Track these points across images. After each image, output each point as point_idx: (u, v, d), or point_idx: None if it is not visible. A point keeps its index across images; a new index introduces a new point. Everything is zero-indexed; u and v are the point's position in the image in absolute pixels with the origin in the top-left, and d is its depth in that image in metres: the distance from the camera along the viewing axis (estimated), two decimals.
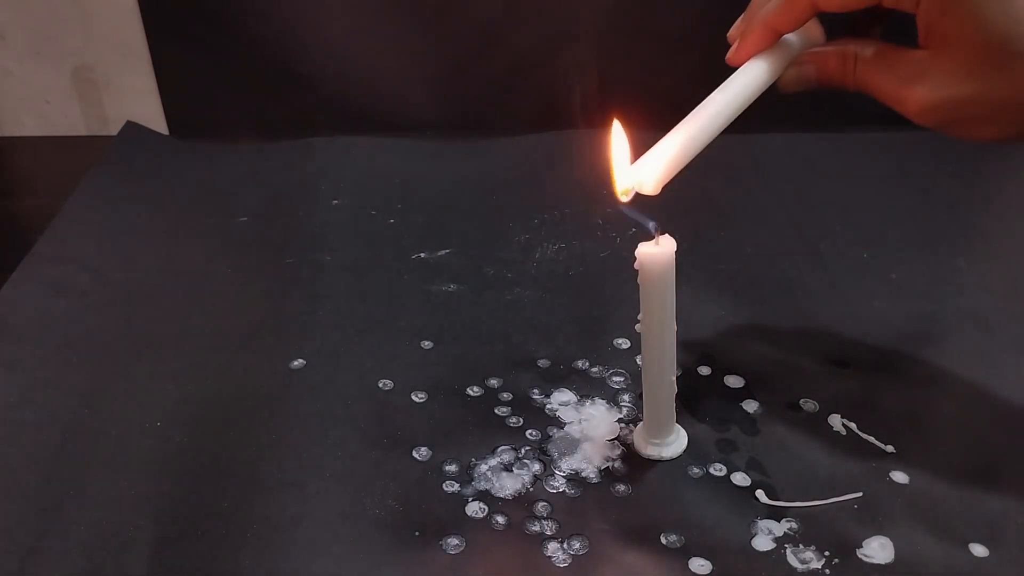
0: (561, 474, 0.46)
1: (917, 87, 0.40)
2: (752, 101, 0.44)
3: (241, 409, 0.50)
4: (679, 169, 0.42)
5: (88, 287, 0.59)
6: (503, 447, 0.47)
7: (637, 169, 0.42)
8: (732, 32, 0.45)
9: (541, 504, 0.44)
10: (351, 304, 0.57)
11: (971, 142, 0.43)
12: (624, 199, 0.42)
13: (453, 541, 0.42)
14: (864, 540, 0.41)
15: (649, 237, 0.42)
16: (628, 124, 0.43)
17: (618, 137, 0.43)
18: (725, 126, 0.43)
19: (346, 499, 0.44)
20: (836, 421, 0.48)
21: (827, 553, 0.41)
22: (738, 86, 0.44)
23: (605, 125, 0.44)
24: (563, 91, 0.78)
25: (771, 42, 0.44)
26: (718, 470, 0.45)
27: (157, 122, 0.80)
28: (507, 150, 0.74)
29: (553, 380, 0.51)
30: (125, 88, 0.80)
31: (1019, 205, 0.67)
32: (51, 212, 0.67)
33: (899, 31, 0.43)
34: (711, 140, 0.43)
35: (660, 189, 0.42)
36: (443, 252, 0.62)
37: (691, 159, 0.43)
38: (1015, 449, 0.46)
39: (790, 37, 0.45)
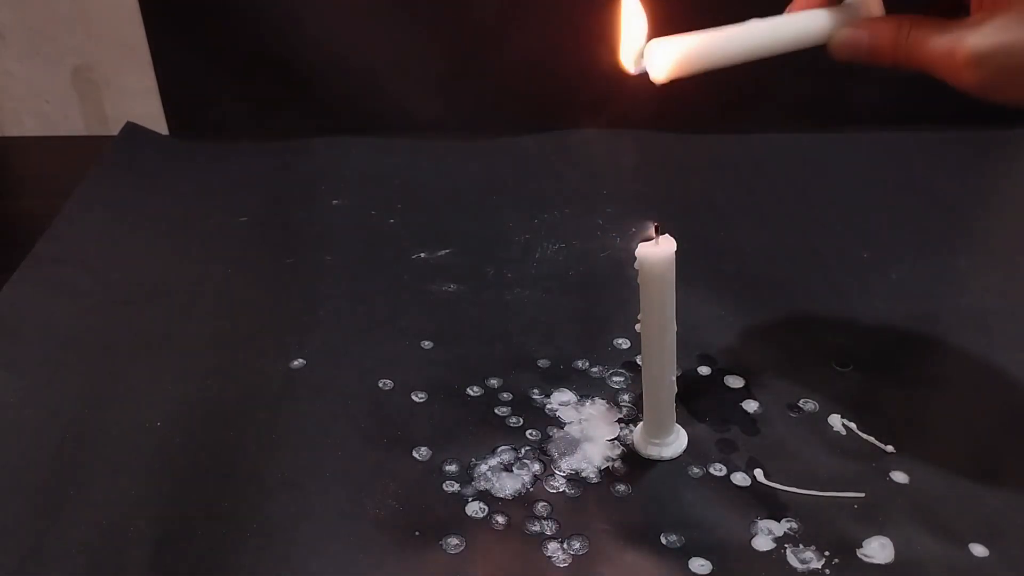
0: (561, 474, 0.46)
1: (969, 38, 0.40)
2: (795, 47, 0.43)
3: (241, 409, 0.50)
4: (694, 68, 0.41)
5: (88, 287, 0.59)
6: (503, 447, 0.47)
7: (653, 46, 0.41)
8: None
9: (541, 504, 0.44)
10: (351, 304, 0.57)
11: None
12: (632, 69, 0.41)
13: (453, 541, 0.42)
14: (864, 540, 0.41)
15: (649, 237, 0.42)
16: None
17: (635, 9, 0.41)
18: (758, 54, 0.42)
19: (346, 499, 0.44)
20: (836, 421, 0.48)
21: (827, 553, 0.41)
22: (782, 20, 0.43)
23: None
24: (563, 91, 0.78)
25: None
26: (718, 470, 0.45)
27: (157, 122, 0.80)
28: (507, 150, 0.74)
29: (553, 380, 0.51)
30: (125, 88, 0.80)
31: (1019, 205, 0.67)
32: (51, 212, 0.67)
33: None
34: (738, 59, 0.42)
35: (669, 78, 0.41)
36: (443, 252, 0.62)
37: (710, 67, 0.41)
38: (1015, 449, 0.46)
39: (851, 1, 0.44)
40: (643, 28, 0.41)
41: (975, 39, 0.40)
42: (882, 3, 0.45)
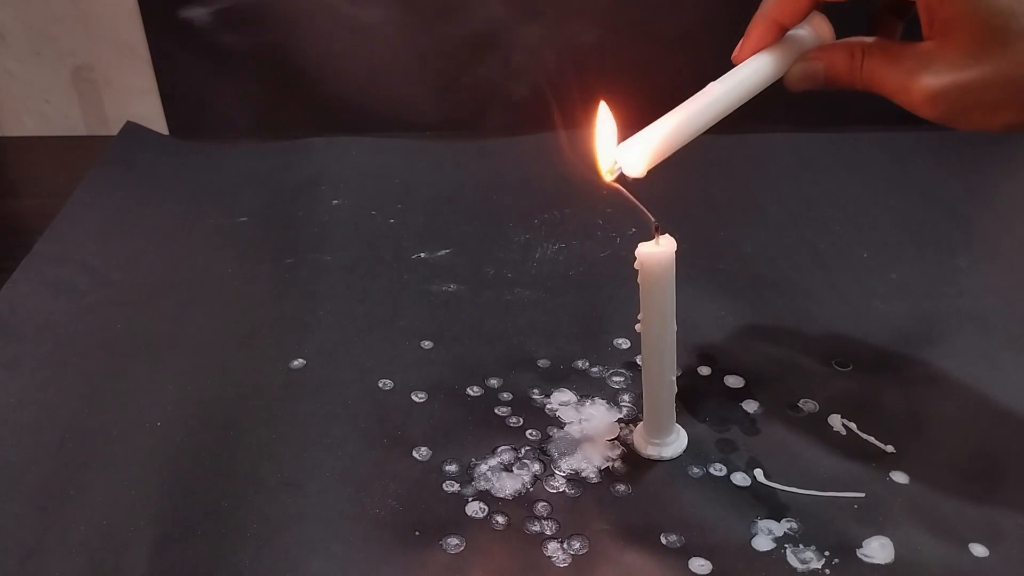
0: (561, 474, 0.46)
1: (923, 76, 0.40)
2: (754, 95, 0.44)
3: (241, 409, 0.50)
4: (667, 154, 0.42)
5: (88, 287, 0.59)
6: (503, 447, 0.47)
7: (623, 149, 0.41)
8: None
9: (541, 504, 0.44)
10: (351, 304, 0.57)
11: (979, 134, 0.42)
12: (608, 178, 0.42)
13: (453, 541, 0.42)
14: (864, 540, 0.41)
15: (649, 237, 0.42)
16: (628, 125, 0.43)
17: (605, 118, 0.42)
18: (721, 117, 0.43)
19: (346, 499, 0.44)
20: (836, 421, 0.48)
21: (827, 553, 0.41)
22: (739, 77, 0.43)
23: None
24: (562, 92, 0.78)
25: (775, 37, 0.44)
26: (718, 470, 0.45)
27: (157, 122, 0.80)
28: (507, 150, 0.74)
29: (553, 380, 0.51)
30: (125, 88, 0.80)
31: (1019, 205, 0.67)
32: (51, 212, 0.67)
33: (918, 33, 0.42)
34: (704, 129, 0.43)
35: (646, 172, 0.41)
36: (443, 252, 0.62)
37: (681, 146, 0.42)
38: (1015, 449, 0.46)
39: (798, 33, 0.44)
40: (612, 134, 0.42)
41: (929, 79, 0.40)
42: (831, 26, 0.45)
